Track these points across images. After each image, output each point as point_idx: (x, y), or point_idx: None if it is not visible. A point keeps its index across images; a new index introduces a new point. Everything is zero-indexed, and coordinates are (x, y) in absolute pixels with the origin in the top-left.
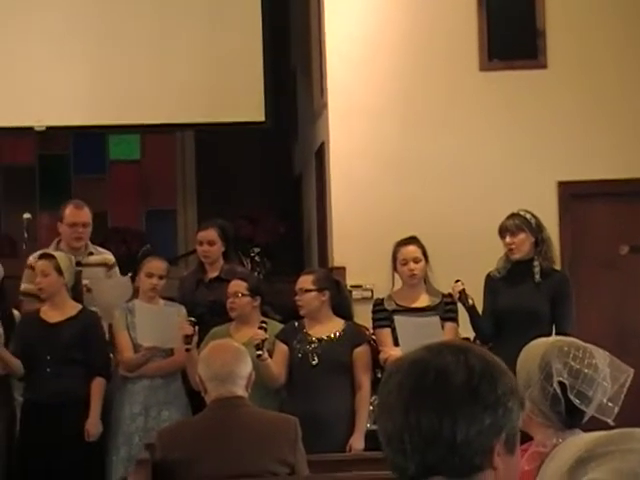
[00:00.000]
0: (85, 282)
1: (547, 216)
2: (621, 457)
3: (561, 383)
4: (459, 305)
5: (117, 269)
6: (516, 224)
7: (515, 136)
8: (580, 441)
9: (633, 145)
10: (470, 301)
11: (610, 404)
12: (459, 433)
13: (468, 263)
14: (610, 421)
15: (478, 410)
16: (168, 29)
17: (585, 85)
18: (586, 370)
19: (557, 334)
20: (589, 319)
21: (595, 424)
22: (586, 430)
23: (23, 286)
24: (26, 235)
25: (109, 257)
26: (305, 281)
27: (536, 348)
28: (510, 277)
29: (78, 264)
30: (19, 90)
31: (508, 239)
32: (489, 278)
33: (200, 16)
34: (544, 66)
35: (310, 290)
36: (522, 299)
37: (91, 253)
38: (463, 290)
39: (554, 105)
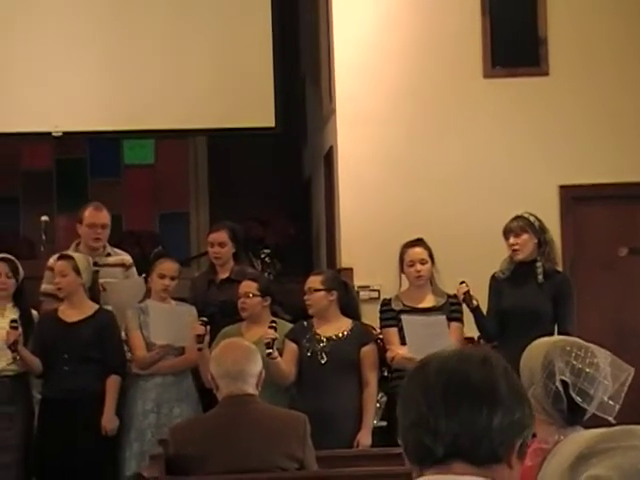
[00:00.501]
0: (100, 282)
1: (549, 218)
2: (622, 453)
3: (563, 381)
4: (464, 305)
5: (134, 270)
6: (520, 226)
7: (518, 141)
8: (581, 438)
9: (632, 150)
10: (475, 302)
11: (611, 402)
12: (495, 420)
13: (473, 264)
14: (611, 419)
15: (512, 403)
16: (182, 38)
17: (586, 92)
18: (588, 369)
19: (559, 333)
20: (590, 319)
21: (596, 421)
22: (587, 427)
23: (43, 286)
24: (44, 237)
25: (127, 258)
26: (314, 281)
27: (539, 347)
28: (514, 278)
29: (96, 264)
30: (37, 96)
31: (512, 240)
32: (493, 279)
33: (213, 26)
34: (546, 73)
35: (319, 290)
36: (525, 299)
37: (109, 254)
38: (468, 291)
39: (556, 111)
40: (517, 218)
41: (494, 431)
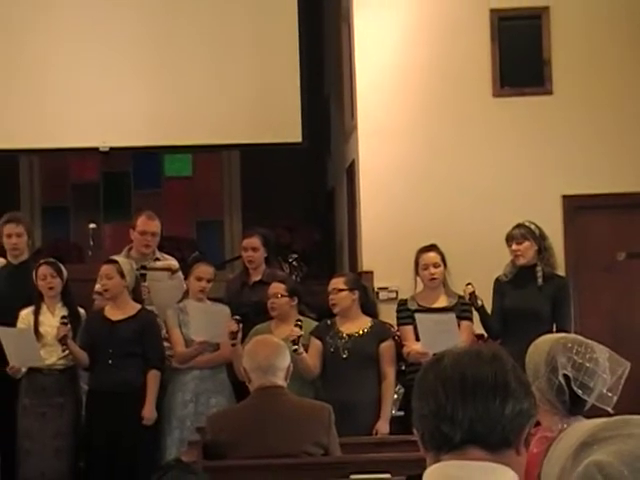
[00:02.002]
0: (144, 284)
1: (553, 226)
2: (621, 441)
3: (565, 375)
4: None
5: (180, 274)
6: (521, 233)
7: (524, 154)
8: (584, 427)
9: (629, 163)
10: (479, 302)
11: (609, 394)
12: (507, 409)
13: (481, 268)
14: (610, 409)
15: (521, 395)
16: (218, 62)
17: (586, 110)
18: (588, 364)
19: (557, 332)
20: (590, 317)
21: (596, 412)
22: (588, 417)
23: (97, 286)
24: (91, 243)
25: (173, 263)
26: (338, 282)
27: (543, 344)
28: (516, 281)
29: (145, 268)
30: (85, 115)
31: (514, 247)
32: (497, 281)
33: (247, 51)
34: (550, 92)
35: (342, 289)
36: (526, 300)
37: (157, 259)
38: (473, 292)
39: (559, 127)
40: (519, 226)
41: (506, 418)
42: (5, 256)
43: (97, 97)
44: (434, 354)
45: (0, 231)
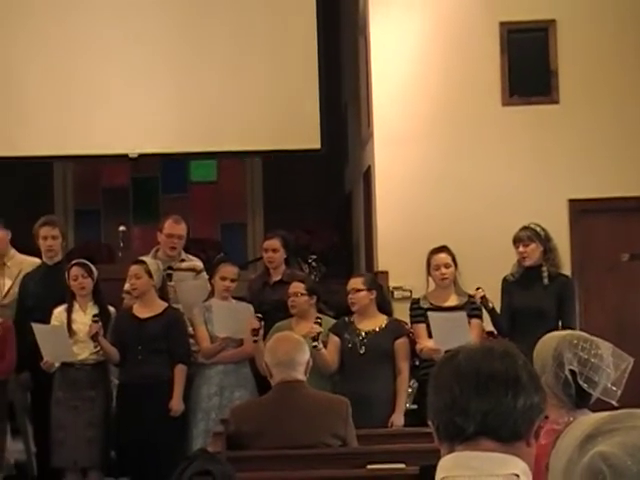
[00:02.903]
0: (171, 284)
1: (559, 228)
2: (625, 433)
3: (572, 370)
4: None
5: (204, 274)
6: (528, 235)
7: (532, 160)
8: (589, 420)
9: (632, 168)
10: (490, 305)
11: (614, 388)
12: (518, 402)
13: (491, 268)
14: (614, 402)
15: (531, 390)
16: (241, 73)
17: (591, 118)
18: (593, 359)
19: (562, 329)
20: (594, 315)
21: (601, 405)
22: (593, 410)
23: (126, 286)
24: (121, 245)
25: (198, 264)
26: (356, 282)
27: (550, 340)
28: (523, 280)
29: (171, 269)
30: (116, 123)
31: (521, 248)
32: (505, 281)
33: (268, 63)
34: (556, 102)
35: (361, 290)
36: (532, 299)
37: (183, 260)
38: (484, 296)
39: (565, 135)
40: (525, 228)
41: (518, 412)
42: (39, 257)
43: (127, 107)
44: (446, 351)
45: (36, 233)
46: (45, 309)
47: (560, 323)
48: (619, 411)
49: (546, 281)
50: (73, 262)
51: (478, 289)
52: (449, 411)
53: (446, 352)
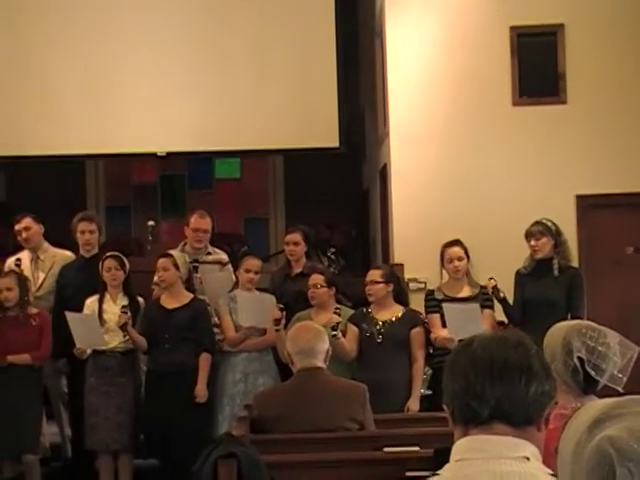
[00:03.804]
0: (197, 276)
1: (567, 223)
2: (631, 418)
3: (580, 358)
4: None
5: (230, 266)
6: (539, 230)
7: (541, 158)
8: (597, 405)
9: (636, 165)
10: (501, 294)
11: (620, 375)
12: (531, 389)
13: (501, 261)
14: (620, 389)
15: (543, 377)
16: (263, 76)
17: (598, 118)
18: (600, 348)
19: (572, 319)
20: (601, 305)
21: (608, 392)
22: (600, 396)
23: (155, 278)
24: (150, 238)
25: (224, 257)
26: (374, 274)
27: (559, 330)
28: (534, 273)
29: (197, 261)
30: (145, 124)
31: (533, 242)
32: (517, 274)
33: (288, 65)
34: (564, 102)
35: (379, 282)
36: (544, 291)
37: (209, 253)
38: (495, 286)
39: (572, 134)
40: (537, 223)
41: (530, 398)
42: (72, 250)
43: (155, 108)
44: (459, 340)
45: (74, 228)
46: (81, 299)
47: (569, 313)
48: (625, 397)
49: (556, 273)
50: (107, 254)
51: (491, 279)
52: (464, 396)
53: (460, 341)
